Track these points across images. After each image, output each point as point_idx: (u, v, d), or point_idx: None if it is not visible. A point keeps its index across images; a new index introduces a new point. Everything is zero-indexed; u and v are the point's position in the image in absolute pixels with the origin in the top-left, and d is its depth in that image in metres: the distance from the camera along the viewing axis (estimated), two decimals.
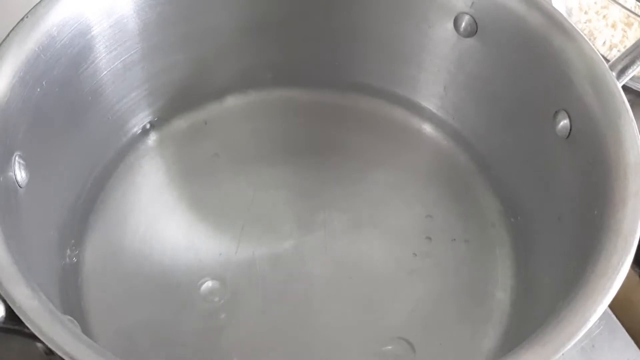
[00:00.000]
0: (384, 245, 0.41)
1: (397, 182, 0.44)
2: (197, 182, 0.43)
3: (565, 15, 0.54)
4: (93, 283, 0.38)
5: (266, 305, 0.38)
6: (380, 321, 0.38)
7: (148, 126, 0.44)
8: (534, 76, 0.37)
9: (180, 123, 0.45)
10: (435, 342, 0.38)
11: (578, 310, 0.26)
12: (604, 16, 0.57)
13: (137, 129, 0.43)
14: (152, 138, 0.44)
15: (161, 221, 0.41)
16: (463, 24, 0.40)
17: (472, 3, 0.39)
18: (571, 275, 0.30)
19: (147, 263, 0.39)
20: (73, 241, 0.38)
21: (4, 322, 0.24)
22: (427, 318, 0.38)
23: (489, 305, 0.39)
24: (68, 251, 0.38)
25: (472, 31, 0.40)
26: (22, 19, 0.33)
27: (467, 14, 0.40)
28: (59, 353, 0.23)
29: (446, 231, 0.42)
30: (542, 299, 0.35)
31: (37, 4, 0.34)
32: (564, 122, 0.36)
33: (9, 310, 0.24)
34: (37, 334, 0.23)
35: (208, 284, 0.39)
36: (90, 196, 0.40)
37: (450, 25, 0.41)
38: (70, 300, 0.36)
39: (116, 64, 0.39)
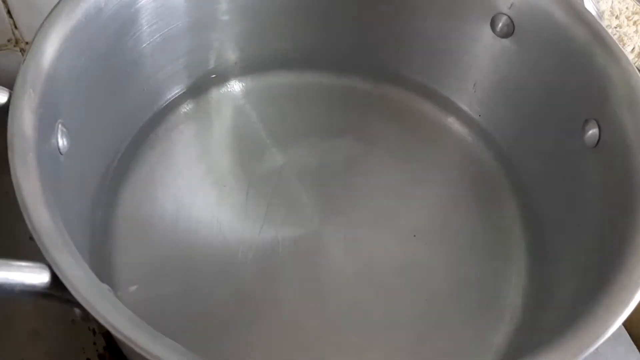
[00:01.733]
0: (401, 238, 0.42)
1: (419, 175, 0.45)
2: (225, 158, 0.44)
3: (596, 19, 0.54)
4: (120, 252, 0.39)
5: (285, 286, 0.39)
6: (392, 313, 0.39)
7: (181, 100, 0.45)
8: (568, 84, 0.38)
9: (213, 99, 0.46)
10: (445, 337, 0.39)
11: (596, 321, 0.27)
12: (635, 22, 0.57)
13: (171, 102, 0.44)
14: (184, 112, 0.45)
15: (188, 195, 0.42)
16: (500, 24, 0.41)
17: (511, 4, 0.39)
18: (588, 284, 0.31)
19: (173, 235, 0.40)
20: (104, 209, 0.39)
21: (48, 289, 0.25)
22: (438, 313, 0.39)
23: (500, 305, 0.40)
24: (99, 219, 0.38)
25: (509, 32, 0.40)
26: None
27: (505, 14, 0.40)
28: (100, 321, 0.24)
29: (463, 228, 0.42)
30: (555, 304, 0.36)
31: None
32: (593, 131, 0.36)
33: (53, 277, 0.25)
34: (81, 302, 0.24)
35: (231, 261, 0.40)
36: (122, 165, 0.41)
37: (487, 24, 0.41)
38: (99, 266, 0.37)
39: (156, 37, 0.40)
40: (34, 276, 0.25)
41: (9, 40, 0.49)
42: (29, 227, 0.26)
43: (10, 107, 0.29)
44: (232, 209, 0.42)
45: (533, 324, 0.38)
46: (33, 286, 0.25)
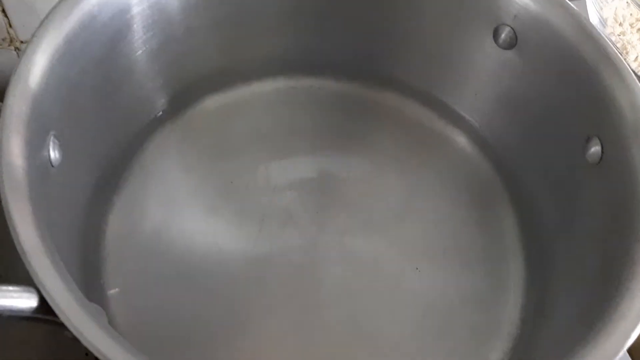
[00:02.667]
0: (398, 250, 0.41)
1: (418, 184, 0.44)
2: (220, 167, 0.43)
3: (599, 26, 0.54)
4: (112, 262, 0.38)
5: (279, 297, 0.39)
6: (388, 326, 0.39)
7: (175, 108, 0.44)
8: (570, 99, 0.37)
9: (208, 106, 0.45)
10: (442, 352, 0.38)
11: (597, 352, 0.27)
12: (638, 29, 0.56)
13: (164, 110, 0.43)
14: (179, 119, 0.44)
15: (182, 205, 0.41)
16: (503, 36, 0.40)
17: (515, 16, 0.39)
18: (587, 307, 0.31)
19: (166, 246, 0.39)
20: (95, 222, 0.38)
21: (37, 313, 0.25)
22: (435, 328, 0.39)
23: (498, 320, 0.39)
24: (90, 231, 0.38)
25: (512, 44, 0.40)
26: None
27: (508, 26, 0.39)
28: (89, 348, 0.24)
29: (461, 241, 0.42)
30: (554, 322, 0.36)
31: None
32: (595, 149, 0.36)
33: (42, 300, 0.25)
34: (70, 328, 0.24)
35: (225, 272, 0.39)
36: (114, 177, 0.40)
37: (490, 35, 0.40)
38: (89, 279, 0.36)
39: (151, 44, 0.39)
40: (23, 301, 0.25)
41: (3, 39, 0.48)
42: (18, 249, 0.25)
43: (0, 121, 0.28)
44: (227, 219, 0.41)
45: (530, 341, 0.38)
46: (21, 311, 0.25)
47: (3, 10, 0.48)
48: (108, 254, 0.39)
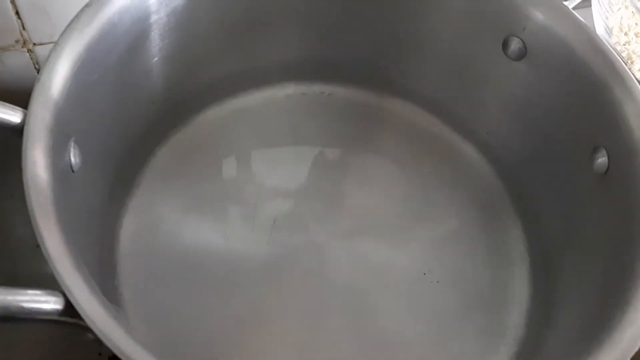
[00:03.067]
0: (406, 255, 0.42)
1: (425, 191, 0.45)
2: (230, 171, 0.44)
3: (605, 35, 0.54)
4: (126, 264, 0.39)
5: (290, 299, 0.40)
6: (395, 328, 0.40)
7: (189, 112, 0.45)
8: (577, 111, 0.38)
9: (220, 112, 0.46)
10: (447, 355, 0.39)
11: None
12: None
13: (179, 115, 0.44)
14: (191, 125, 0.45)
15: (193, 208, 0.42)
16: (512, 47, 0.41)
17: (525, 28, 0.39)
18: (592, 315, 0.31)
19: (178, 248, 0.40)
20: (111, 223, 0.39)
21: (62, 315, 0.26)
22: (441, 332, 0.40)
23: (504, 326, 0.40)
24: (106, 233, 0.39)
25: (521, 55, 0.40)
26: (85, 5, 0.33)
27: (517, 37, 0.40)
28: (115, 351, 0.25)
29: (467, 247, 0.43)
30: (559, 328, 0.36)
31: None
32: (602, 160, 0.36)
33: (67, 304, 0.25)
34: (96, 332, 0.25)
35: (236, 274, 0.40)
36: (129, 180, 0.41)
37: (500, 45, 0.41)
38: (105, 279, 0.37)
39: (166, 51, 0.40)
40: (49, 304, 0.25)
41: (16, 41, 0.49)
42: (45, 255, 0.26)
43: (25, 131, 0.29)
44: (239, 223, 0.42)
45: (535, 346, 0.39)
46: (48, 314, 0.25)
47: (17, 13, 0.48)
48: (122, 256, 0.39)
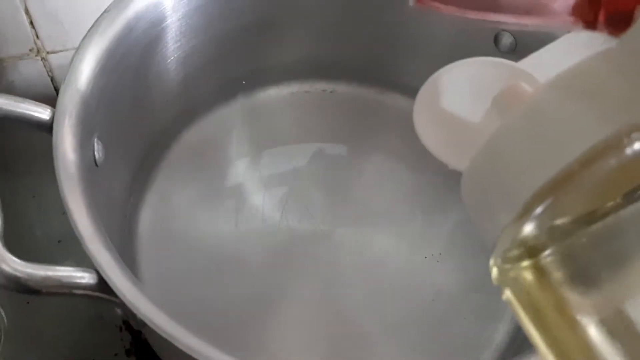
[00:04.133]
0: (407, 240, 0.45)
1: (425, 182, 0.47)
2: (240, 166, 0.46)
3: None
4: (145, 254, 0.42)
5: (300, 283, 0.42)
6: (400, 308, 0.42)
7: (201, 109, 0.47)
8: None
9: (229, 110, 0.48)
10: (449, 334, 0.41)
11: None
12: None
13: (190, 112, 0.47)
14: (202, 122, 0.47)
15: (207, 200, 0.44)
16: (503, 41, 0.43)
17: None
18: None
19: (194, 238, 0.43)
20: (130, 216, 0.42)
21: (95, 291, 0.28)
22: (443, 311, 0.42)
23: (502, 304, 0.42)
24: (126, 225, 0.41)
25: (512, 48, 0.43)
26: (105, 11, 0.36)
27: (508, 31, 0.42)
28: (145, 320, 0.27)
29: (467, 232, 0.45)
30: None
31: None
32: None
33: (100, 280, 0.28)
34: (127, 304, 0.27)
35: (249, 260, 0.43)
36: (146, 174, 0.44)
37: (491, 40, 0.44)
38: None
39: (179, 52, 0.42)
40: (84, 280, 0.28)
41: (30, 50, 0.51)
42: (77, 234, 0.28)
43: (54, 127, 0.31)
44: (250, 212, 0.44)
45: None
46: (82, 288, 0.28)
47: (31, 23, 0.51)
48: (141, 246, 0.42)
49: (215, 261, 0.42)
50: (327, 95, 0.50)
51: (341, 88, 0.50)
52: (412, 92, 0.48)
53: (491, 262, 0.18)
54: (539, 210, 0.16)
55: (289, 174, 0.46)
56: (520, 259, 0.17)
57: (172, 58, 0.42)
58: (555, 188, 0.16)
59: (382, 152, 0.48)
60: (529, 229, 0.17)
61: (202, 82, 0.46)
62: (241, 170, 0.46)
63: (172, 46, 0.41)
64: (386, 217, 0.46)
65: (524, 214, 0.16)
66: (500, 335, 0.42)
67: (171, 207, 0.44)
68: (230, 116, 0.48)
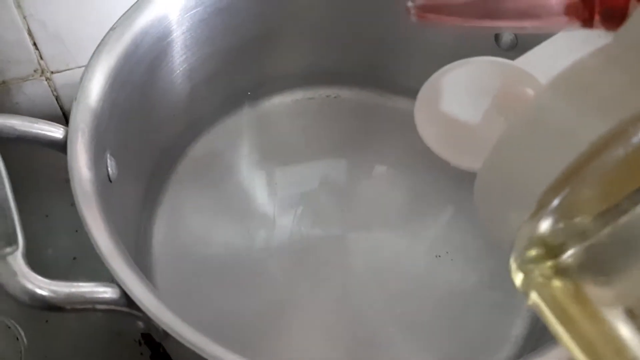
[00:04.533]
0: (419, 241, 0.45)
1: (433, 184, 0.47)
2: (249, 175, 0.47)
3: None
4: (160, 266, 0.42)
5: (314, 288, 0.43)
6: (415, 307, 0.42)
7: (208, 122, 0.48)
8: None
9: (236, 120, 0.49)
10: (466, 331, 0.42)
11: None
12: None
13: (198, 125, 0.47)
14: (208, 134, 0.48)
15: (218, 211, 0.45)
16: (504, 38, 0.44)
17: None
18: None
19: (207, 248, 0.43)
20: (144, 229, 0.42)
21: (118, 305, 0.28)
22: (459, 309, 0.42)
23: (517, 299, 0.43)
24: (141, 239, 0.41)
25: (512, 45, 0.43)
26: (111, 29, 0.37)
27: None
28: (169, 331, 0.27)
29: (477, 231, 0.45)
30: None
31: (124, 14, 0.37)
32: None
33: (123, 294, 0.28)
34: (151, 316, 0.27)
35: (263, 268, 0.43)
36: (157, 188, 0.44)
37: (492, 38, 0.44)
38: None
39: (185, 66, 0.42)
40: (107, 294, 0.28)
41: (35, 71, 0.51)
42: (97, 251, 0.29)
43: (68, 145, 0.32)
44: (262, 220, 0.45)
45: None
46: (105, 302, 0.28)
47: (34, 44, 0.51)
48: (156, 259, 0.42)
49: (229, 270, 0.42)
50: (331, 101, 0.51)
51: (345, 93, 0.51)
52: (414, 94, 0.49)
53: (512, 264, 0.19)
54: (554, 204, 0.16)
55: (298, 181, 0.47)
56: (541, 259, 0.17)
57: (178, 71, 0.42)
58: (566, 181, 0.16)
59: (388, 154, 0.48)
60: (546, 225, 0.17)
61: (208, 94, 0.46)
62: (251, 179, 0.47)
63: (178, 60, 0.41)
64: (396, 218, 0.46)
65: (539, 209, 0.17)
66: (517, 329, 0.42)
67: (183, 219, 0.44)
68: (237, 126, 0.49)
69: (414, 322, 0.42)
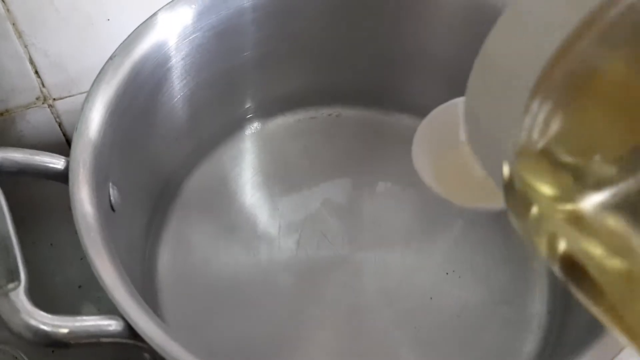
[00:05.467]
0: (428, 258, 0.45)
1: (438, 200, 0.47)
2: (253, 197, 0.47)
3: None
4: (166, 293, 0.42)
5: (323, 310, 0.42)
6: (428, 325, 0.42)
7: (211, 144, 0.48)
8: None
9: (238, 143, 0.49)
10: (478, 349, 0.41)
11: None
12: None
13: (201, 147, 0.47)
14: (212, 158, 0.48)
15: (223, 235, 0.45)
16: None
17: None
18: None
19: (213, 274, 0.43)
20: (149, 256, 0.42)
21: (122, 337, 0.28)
22: (470, 327, 0.42)
23: (527, 315, 0.42)
24: (146, 266, 0.41)
25: None
26: (110, 57, 0.37)
27: None
28: None
29: (486, 246, 0.45)
30: (579, 310, 0.38)
31: (122, 43, 0.37)
32: None
33: (127, 326, 0.28)
34: (153, 347, 0.27)
35: (270, 292, 0.42)
36: (161, 214, 0.44)
37: None
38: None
39: (185, 91, 0.42)
40: (111, 327, 0.28)
41: (37, 98, 0.51)
42: (100, 283, 0.28)
43: (70, 177, 0.32)
44: (267, 242, 0.44)
45: (559, 331, 0.41)
46: (110, 335, 0.28)
47: (36, 72, 0.51)
48: (162, 285, 0.42)
49: (236, 296, 0.42)
50: (333, 120, 0.51)
51: (346, 111, 0.51)
52: (416, 111, 0.49)
53: (505, 170, 0.17)
54: (554, 76, 0.15)
55: (302, 202, 0.46)
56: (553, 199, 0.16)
57: (179, 97, 0.42)
58: (558, 58, 0.15)
59: (391, 171, 0.48)
60: (539, 107, 0.16)
61: (210, 118, 0.46)
62: (254, 202, 0.46)
63: (178, 85, 0.41)
64: (402, 237, 0.46)
65: (534, 91, 0.16)
66: (530, 345, 0.41)
67: (188, 245, 0.44)
68: (239, 149, 0.49)
69: (426, 341, 0.41)
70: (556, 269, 0.17)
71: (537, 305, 0.43)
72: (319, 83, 0.49)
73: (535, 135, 0.16)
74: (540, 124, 0.16)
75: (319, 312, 0.42)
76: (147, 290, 0.40)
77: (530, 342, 0.42)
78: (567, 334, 0.39)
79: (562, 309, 0.41)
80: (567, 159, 0.16)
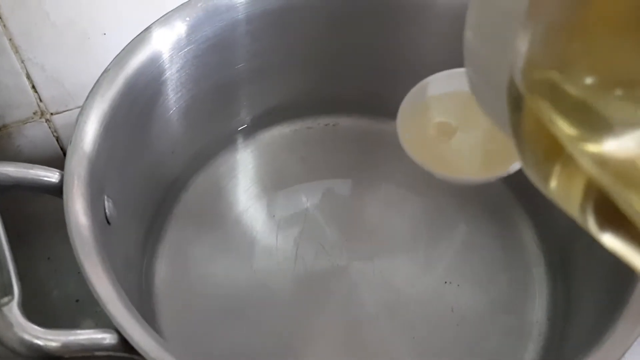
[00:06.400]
0: (426, 267, 0.44)
1: (435, 207, 0.47)
2: (252, 206, 0.46)
3: None
4: (164, 306, 0.41)
5: (322, 321, 0.42)
6: (428, 335, 0.42)
7: (207, 156, 0.48)
8: None
9: (235, 153, 0.49)
10: (480, 357, 0.41)
11: (619, 334, 0.29)
12: None
13: (197, 160, 0.47)
14: (208, 169, 0.48)
15: (220, 245, 0.44)
16: None
17: None
18: (609, 300, 0.33)
19: (210, 286, 0.43)
20: (146, 270, 0.42)
21: (117, 350, 0.28)
22: (470, 336, 0.42)
23: (527, 323, 0.42)
24: (143, 279, 0.41)
25: None
26: (104, 71, 0.37)
27: None
28: None
29: (485, 254, 0.45)
30: (579, 318, 0.38)
31: (116, 56, 0.37)
32: None
33: (122, 340, 0.28)
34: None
35: (268, 303, 0.42)
36: (157, 227, 0.44)
37: None
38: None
39: (181, 103, 0.42)
40: (105, 341, 0.28)
41: (34, 113, 0.51)
42: (96, 298, 0.28)
43: (64, 190, 0.31)
44: (265, 254, 0.44)
45: (560, 339, 0.40)
46: (104, 349, 0.28)
47: (33, 87, 0.52)
48: (159, 297, 0.42)
49: (234, 308, 0.42)
50: (329, 129, 0.50)
51: (343, 121, 0.51)
52: None
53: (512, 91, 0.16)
54: None
55: (300, 212, 0.46)
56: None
57: (174, 109, 0.42)
58: None
59: (388, 181, 0.48)
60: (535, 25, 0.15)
61: (205, 130, 0.46)
62: (252, 214, 0.46)
63: (173, 97, 0.41)
64: (401, 246, 0.45)
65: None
66: (531, 353, 0.41)
67: (185, 257, 0.44)
68: (236, 160, 0.48)
69: (427, 351, 0.41)
70: (590, 222, 0.15)
71: (538, 313, 0.43)
72: (315, 93, 0.49)
73: (539, 54, 0.15)
74: (541, 40, 0.15)
75: (317, 324, 0.42)
76: (144, 303, 0.40)
77: (532, 350, 0.41)
78: (568, 341, 0.38)
79: (563, 316, 0.41)
80: (579, 90, 0.15)
